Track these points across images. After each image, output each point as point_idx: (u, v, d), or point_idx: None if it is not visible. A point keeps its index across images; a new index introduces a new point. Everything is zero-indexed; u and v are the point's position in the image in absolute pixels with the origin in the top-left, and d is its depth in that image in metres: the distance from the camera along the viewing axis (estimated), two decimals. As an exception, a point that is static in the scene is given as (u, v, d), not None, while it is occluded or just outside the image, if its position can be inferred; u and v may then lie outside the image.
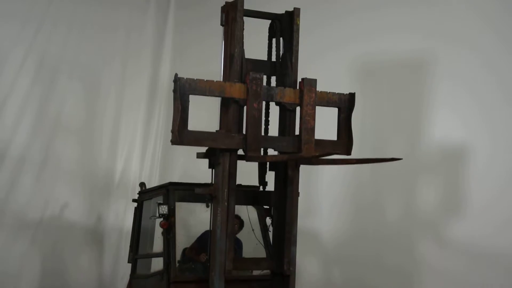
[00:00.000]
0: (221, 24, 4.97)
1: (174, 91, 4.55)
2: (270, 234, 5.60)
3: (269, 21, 5.20)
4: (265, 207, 5.52)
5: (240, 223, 6.10)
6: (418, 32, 6.62)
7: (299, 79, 4.93)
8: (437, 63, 6.45)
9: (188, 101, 4.60)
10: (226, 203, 4.74)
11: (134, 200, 6.76)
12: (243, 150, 4.76)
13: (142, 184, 6.90)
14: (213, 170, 4.88)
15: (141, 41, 9.46)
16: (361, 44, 7.06)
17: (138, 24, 9.44)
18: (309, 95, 4.82)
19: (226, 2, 4.95)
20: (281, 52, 5.13)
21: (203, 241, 5.81)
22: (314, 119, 4.85)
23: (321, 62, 7.04)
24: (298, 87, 4.91)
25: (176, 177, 8.61)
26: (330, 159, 4.86)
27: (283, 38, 5.11)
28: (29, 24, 8.17)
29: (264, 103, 4.91)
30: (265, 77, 4.99)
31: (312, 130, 4.84)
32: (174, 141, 4.56)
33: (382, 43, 6.86)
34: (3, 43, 7.95)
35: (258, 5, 5.15)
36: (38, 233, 8.30)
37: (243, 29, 4.83)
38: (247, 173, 5.31)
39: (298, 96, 4.86)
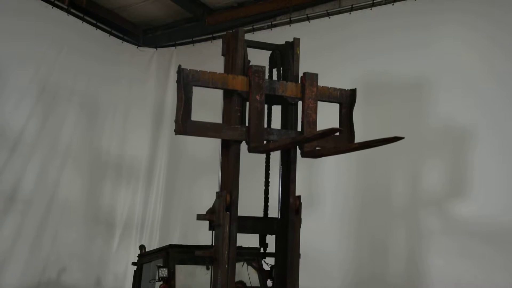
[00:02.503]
0: (222, 54, 5.06)
1: (178, 81, 4.59)
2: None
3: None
4: (266, 269, 5.43)
5: None
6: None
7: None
8: (437, 60, 6.75)
9: (192, 92, 4.63)
10: (226, 266, 4.62)
11: (133, 263, 6.59)
12: (246, 142, 4.76)
13: (141, 247, 6.71)
14: (213, 232, 4.80)
15: (143, 93, 9.68)
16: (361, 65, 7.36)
17: (141, 78, 9.71)
18: (310, 89, 4.89)
19: (227, 32, 5.07)
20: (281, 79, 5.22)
21: (205, 305, 5.66)
22: (316, 113, 4.90)
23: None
24: (300, 81, 4.99)
25: (176, 239, 8.50)
26: (333, 148, 4.87)
27: (283, 68, 5.21)
28: (41, 69, 8.38)
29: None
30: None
31: (314, 123, 4.87)
32: (178, 131, 4.56)
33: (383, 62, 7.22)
34: (14, 91, 8.13)
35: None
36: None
37: (244, 58, 4.91)
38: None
39: (300, 90, 4.93)
